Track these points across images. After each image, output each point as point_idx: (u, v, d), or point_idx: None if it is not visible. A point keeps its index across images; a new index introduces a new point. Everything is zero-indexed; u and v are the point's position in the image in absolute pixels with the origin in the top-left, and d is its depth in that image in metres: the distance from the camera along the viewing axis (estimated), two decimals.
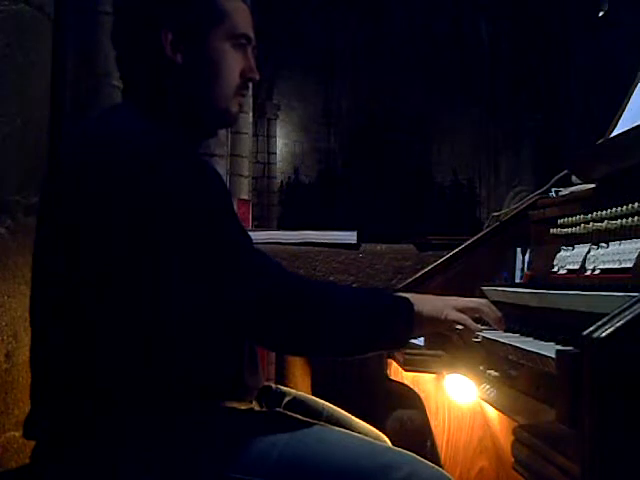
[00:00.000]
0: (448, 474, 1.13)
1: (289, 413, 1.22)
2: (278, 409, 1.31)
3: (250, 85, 1.27)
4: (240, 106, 1.25)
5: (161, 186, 1.04)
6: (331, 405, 1.41)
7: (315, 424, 1.18)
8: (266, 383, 1.37)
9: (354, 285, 2.55)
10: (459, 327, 1.23)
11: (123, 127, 1.11)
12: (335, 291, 1.20)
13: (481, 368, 1.25)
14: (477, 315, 1.25)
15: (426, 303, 1.20)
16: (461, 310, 1.21)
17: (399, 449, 1.13)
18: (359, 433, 1.28)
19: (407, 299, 1.18)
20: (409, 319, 1.16)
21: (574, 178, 1.65)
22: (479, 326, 1.24)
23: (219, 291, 1.07)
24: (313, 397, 1.44)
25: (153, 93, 1.18)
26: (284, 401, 1.37)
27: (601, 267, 1.32)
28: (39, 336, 1.16)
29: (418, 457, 1.11)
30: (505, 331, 1.29)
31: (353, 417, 1.40)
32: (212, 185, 1.09)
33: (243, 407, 1.17)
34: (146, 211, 1.04)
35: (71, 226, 1.08)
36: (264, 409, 1.29)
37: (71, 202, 1.08)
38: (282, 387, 1.41)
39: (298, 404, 1.37)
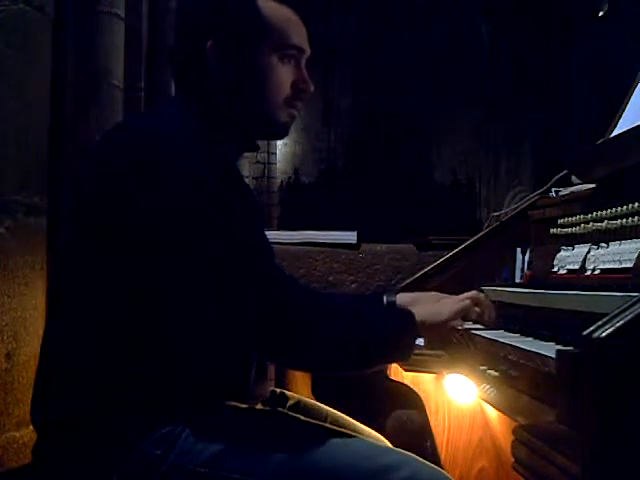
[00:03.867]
0: (448, 475, 1.13)
1: (290, 413, 1.22)
2: (279, 409, 1.31)
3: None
4: (292, 117, 1.23)
5: (199, 193, 1.05)
6: (335, 411, 1.41)
7: (316, 425, 1.18)
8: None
9: (354, 285, 2.54)
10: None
11: (171, 129, 1.11)
12: (339, 308, 1.20)
13: (481, 368, 1.25)
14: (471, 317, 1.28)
15: (426, 311, 1.22)
16: (456, 314, 1.24)
17: (400, 450, 1.13)
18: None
19: (410, 313, 1.19)
20: (413, 333, 1.18)
21: (574, 178, 1.65)
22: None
23: (229, 297, 1.06)
24: (317, 402, 1.44)
25: (201, 101, 1.19)
26: (287, 405, 1.37)
27: (601, 267, 1.32)
28: (51, 331, 1.17)
29: (419, 458, 1.11)
30: (505, 331, 1.29)
31: (357, 423, 1.40)
32: (244, 198, 1.10)
33: (244, 406, 1.17)
34: (179, 217, 1.04)
35: (101, 224, 1.08)
36: (265, 408, 1.29)
37: (107, 199, 1.08)
38: (285, 392, 1.41)
39: (301, 409, 1.37)
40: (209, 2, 1.21)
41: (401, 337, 1.18)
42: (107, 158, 1.12)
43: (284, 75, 1.20)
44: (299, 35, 1.22)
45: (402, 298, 1.35)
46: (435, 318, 1.20)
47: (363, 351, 1.14)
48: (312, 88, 1.23)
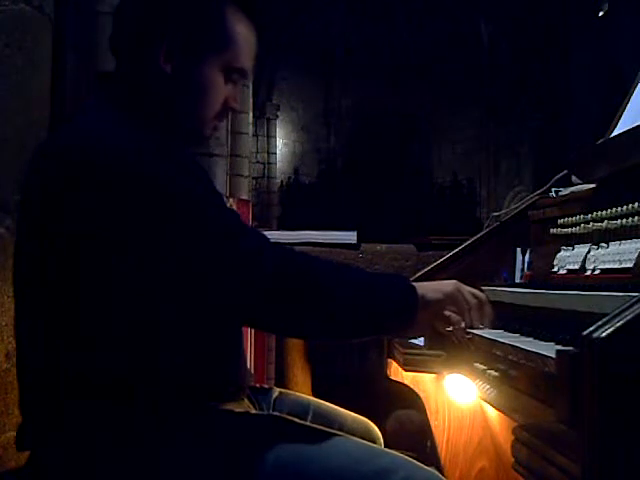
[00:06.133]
0: (443, 477, 1.12)
1: (286, 416, 1.22)
2: (275, 413, 1.31)
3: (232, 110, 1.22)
4: (215, 130, 1.22)
5: (149, 190, 1.03)
6: (317, 399, 1.42)
7: (312, 428, 1.18)
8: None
9: None
10: (449, 329, 1.24)
11: (104, 133, 1.08)
12: (338, 271, 1.18)
13: (481, 368, 1.25)
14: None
15: (427, 286, 1.21)
16: (456, 296, 1.22)
17: (394, 452, 1.13)
18: (348, 425, 1.32)
19: (410, 283, 1.19)
20: (414, 302, 1.16)
21: (574, 178, 1.65)
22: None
23: (218, 277, 1.05)
24: (297, 393, 1.45)
25: (135, 95, 1.16)
26: (272, 398, 1.37)
27: (601, 267, 1.32)
28: (27, 343, 1.14)
29: (414, 461, 1.11)
30: (505, 331, 1.29)
31: (339, 408, 1.41)
32: (196, 180, 1.08)
33: (239, 410, 1.17)
34: (134, 216, 1.02)
35: (59, 233, 1.05)
36: (260, 412, 1.28)
37: (58, 209, 1.05)
38: (266, 386, 1.42)
39: (285, 400, 1.37)
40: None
41: (402, 303, 1.16)
42: (58, 175, 1.07)
43: (222, 93, 1.18)
44: (251, 59, 1.20)
45: None
46: (436, 294, 1.19)
47: (363, 315, 1.13)
48: (238, 109, 1.23)
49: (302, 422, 1.20)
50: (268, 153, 11.49)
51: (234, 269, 1.05)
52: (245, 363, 1.27)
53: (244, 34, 1.17)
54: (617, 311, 0.79)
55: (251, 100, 7.28)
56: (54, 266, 1.07)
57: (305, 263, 1.12)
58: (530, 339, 1.17)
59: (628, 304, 0.80)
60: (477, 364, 1.28)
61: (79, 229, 1.04)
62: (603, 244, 1.34)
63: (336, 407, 1.41)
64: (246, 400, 1.25)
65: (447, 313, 1.22)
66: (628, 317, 0.77)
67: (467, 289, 1.25)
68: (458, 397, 1.69)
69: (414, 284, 1.19)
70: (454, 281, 1.25)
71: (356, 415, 1.41)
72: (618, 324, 0.77)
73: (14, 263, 1.15)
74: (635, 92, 1.57)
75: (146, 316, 1.06)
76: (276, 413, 1.30)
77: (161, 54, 1.13)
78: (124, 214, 1.03)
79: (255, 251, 1.07)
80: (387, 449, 1.18)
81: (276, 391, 1.40)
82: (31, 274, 1.12)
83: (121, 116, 1.13)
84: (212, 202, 1.08)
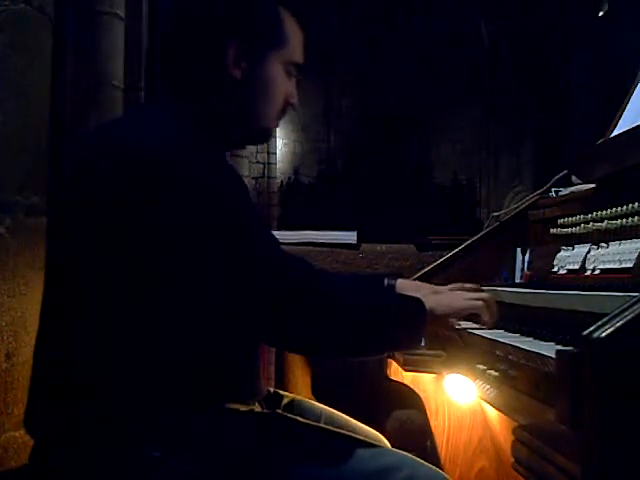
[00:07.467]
0: (447, 476, 1.12)
1: (289, 415, 1.22)
2: (278, 411, 1.30)
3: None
4: (276, 127, 1.28)
5: (188, 193, 1.04)
6: (329, 408, 1.41)
7: (315, 426, 1.18)
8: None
9: None
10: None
11: (154, 131, 1.10)
12: (352, 291, 1.23)
13: (481, 368, 1.25)
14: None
15: (435, 300, 1.24)
16: (464, 309, 1.26)
17: (398, 451, 1.13)
18: (358, 435, 1.29)
19: (419, 300, 1.20)
20: (424, 320, 1.19)
21: (574, 178, 1.65)
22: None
23: (238, 289, 1.06)
24: (311, 401, 1.44)
25: (201, 101, 1.18)
26: (282, 404, 1.36)
27: (601, 267, 1.32)
28: (46, 334, 1.15)
29: (417, 459, 1.11)
30: (505, 331, 1.30)
31: (352, 419, 1.40)
32: (235, 191, 1.10)
33: (244, 409, 1.17)
34: (170, 215, 1.03)
35: (94, 226, 1.07)
36: (264, 411, 1.28)
37: (95, 203, 1.07)
38: (280, 391, 1.41)
39: (295, 407, 1.36)
40: (235, 1, 1.20)
41: (414, 323, 1.18)
42: (107, 174, 1.08)
43: (284, 88, 1.24)
44: (302, 54, 1.26)
45: (402, 283, 1.38)
46: (443, 309, 1.22)
47: (378, 336, 1.16)
48: (296, 105, 1.28)
49: (306, 421, 1.19)
50: (268, 153, 11.48)
51: (257, 281, 1.07)
52: (260, 374, 1.27)
53: (296, 32, 1.24)
54: (617, 311, 0.79)
55: None
56: (75, 266, 1.09)
57: (325, 284, 1.16)
58: (530, 339, 1.17)
59: (628, 304, 0.80)
60: (477, 364, 1.28)
61: (112, 231, 1.05)
62: (603, 244, 1.34)
63: (349, 418, 1.40)
64: (256, 403, 1.25)
65: (451, 321, 1.27)
66: (628, 317, 0.77)
67: (473, 295, 1.29)
68: (458, 397, 1.68)
69: (422, 298, 1.21)
70: (460, 292, 1.29)
71: (369, 428, 1.40)
72: (618, 324, 0.76)
73: (47, 259, 1.18)
74: (635, 92, 1.57)
75: (163, 323, 1.06)
76: (279, 411, 1.30)
77: (229, 61, 1.17)
78: (162, 221, 1.03)
79: (278, 266, 1.11)
80: (391, 448, 1.18)
81: (288, 398, 1.40)
82: (55, 272, 1.15)
83: (184, 118, 1.15)
84: (253, 223, 1.12)
